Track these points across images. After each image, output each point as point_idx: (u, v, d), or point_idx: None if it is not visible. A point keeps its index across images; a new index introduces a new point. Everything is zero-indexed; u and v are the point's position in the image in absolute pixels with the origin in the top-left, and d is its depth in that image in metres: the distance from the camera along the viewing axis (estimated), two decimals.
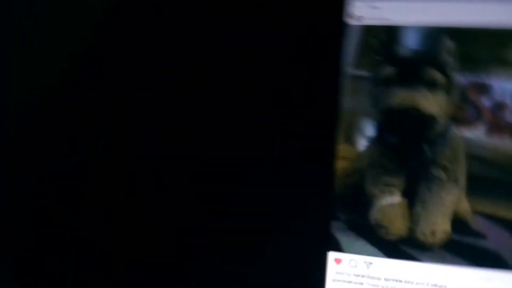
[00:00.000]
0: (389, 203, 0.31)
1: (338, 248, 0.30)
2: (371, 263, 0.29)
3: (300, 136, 0.36)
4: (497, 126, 0.32)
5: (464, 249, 0.29)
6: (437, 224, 0.30)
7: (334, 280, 0.29)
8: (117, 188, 0.36)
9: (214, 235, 0.34)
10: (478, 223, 0.29)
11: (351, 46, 0.37)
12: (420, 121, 0.32)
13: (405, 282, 0.29)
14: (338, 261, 0.30)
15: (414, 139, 0.32)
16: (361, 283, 0.29)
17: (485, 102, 0.33)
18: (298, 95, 0.38)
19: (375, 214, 0.31)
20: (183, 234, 0.34)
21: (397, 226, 0.30)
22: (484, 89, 0.33)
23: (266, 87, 0.39)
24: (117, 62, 0.39)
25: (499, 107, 0.33)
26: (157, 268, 0.34)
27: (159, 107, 0.37)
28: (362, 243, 0.30)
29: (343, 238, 0.30)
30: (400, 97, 0.33)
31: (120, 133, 0.37)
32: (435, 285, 0.28)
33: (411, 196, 0.31)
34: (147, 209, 0.35)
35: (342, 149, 0.34)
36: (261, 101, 0.38)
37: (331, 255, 0.30)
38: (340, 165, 0.33)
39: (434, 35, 0.36)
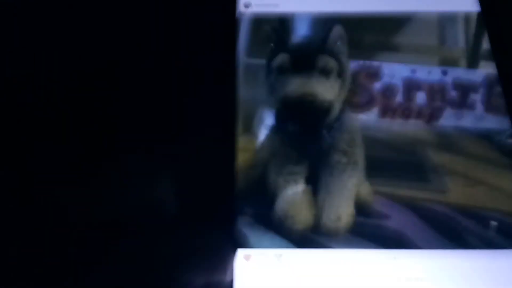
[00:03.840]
0: (293, 192, 0.30)
1: (247, 244, 0.28)
2: (281, 255, 0.27)
3: (198, 129, 0.33)
4: (389, 108, 0.32)
5: (369, 231, 0.28)
6: (341, 208, 0.29)
7: (244, 277, 0.27)
8: None
9: (119, 233, 0.30)
10: (380, 204, 0.29)
11: (243, 35, 0.35)
12: (317, 107, 0.32)
13: (315, 270, 0.27)
14: (247, 257, 0.27)
15: (312, 126, 0.32)
16: (273, 277, 0.27)
17: (376, 85, 0.33)
18: (195, 86, 0.35)
19: (281, 205, 0.29)
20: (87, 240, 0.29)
21: (303, 214, 0.29)
22: (374, 73, 0.34)
23: (160, 78, 0.35)
24: None
25: (389, 90, 0.33)
26: None
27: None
28: (270, 236, 0.28)
29: (250, 233, 0.28)
30: (296, 84, 0.32)
31: None
32: (344, 270, 0.27)
33: (315, 182, 0.30)
34: None
35: (242, 140, 0.32)
36: (156, 95, 0.35)
37: (240, 252, 0.27)
38: (242, 157, 0.31)
39: (325, 22, 0.36)
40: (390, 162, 0.31)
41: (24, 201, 0.31)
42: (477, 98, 0.33)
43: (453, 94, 0.33)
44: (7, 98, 0.35)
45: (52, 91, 0.35)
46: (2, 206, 0.31)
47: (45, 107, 0.34)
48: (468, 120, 0.32)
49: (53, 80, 0.35)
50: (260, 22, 0.35)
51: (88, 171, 0.32)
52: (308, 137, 0.32)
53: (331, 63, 0.33)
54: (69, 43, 0.37)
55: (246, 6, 0.36)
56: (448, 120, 0.32)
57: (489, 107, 0.32)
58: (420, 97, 0.33)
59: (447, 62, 0.34)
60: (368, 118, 0.32)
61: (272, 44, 0.34)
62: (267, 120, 0.32)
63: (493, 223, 0.29)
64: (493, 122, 0.32)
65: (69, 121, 0.34)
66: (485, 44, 0.35)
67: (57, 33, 0.37)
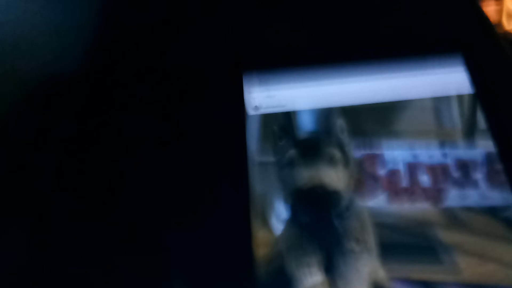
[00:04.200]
0: (311, 284, 0.31)
1: None
2: None
3: (217, 228, 0.35)
4: (395, 193, 0.34)
5: None
6: None
7: None
8: None
9: None
10: None
11: (254, 134, 0.39)
12: (326, 197, 0.34)
13: None
14: None
15: (324, 216, 0.34)
16: None
17: (381, 171, 0.35)
18: (210, 188, 0.38)
19: None
20: None
21: None
22: (378, 159, 0.36)
23: (174, 176, 0.38)
24: None
25: (394, 175, 0.35)
26: None
27: None
28: None
29: None
30: (305, 176, 0.34)
31: None
32: None
33: (331, 272, 0.32)
34: None
35: (260, 235, 0.34)
36: (171, 192, 0.38)
37: None
38: (261, 251, 0.33)
39: (327, 116, 0.39)
40: (402, 246, 0.32)
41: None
42: (479, 176, 0.35)
43: (455, 174, 0.35)
44: None
45: None
46: None
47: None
48: (473, 199, 0.34)
49: None
50: (267, 121, 0.39)
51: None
52: (320, 227, 0.34)
53: (337, 154, 0.36)
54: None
55: (255, 109, 0.40)
56: (453, 200, 0.34)
57: (492, 184, 0.34)
58: (424, 180, 0.35)
59: (446, 142, 0.37)
60: (376, 204, 0.34)
61: (280, 142, 0.37)
62: (281, 214, 0.35)
63: None
64: (497, 199, 0.33)
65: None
66: (481, 122, 0.37)
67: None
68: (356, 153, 0.36)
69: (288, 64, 0.42)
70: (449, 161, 0.35)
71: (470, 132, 0.37)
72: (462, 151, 0.36)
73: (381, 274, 0.31)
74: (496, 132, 0.36)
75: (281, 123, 0.38)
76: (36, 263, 0.34)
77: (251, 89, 0.41)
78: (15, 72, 0.43)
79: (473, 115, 0.37)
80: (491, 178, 0.34)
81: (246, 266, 0.33)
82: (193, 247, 0.35)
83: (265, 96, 0.40)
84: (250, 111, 0.40)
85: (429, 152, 0.36)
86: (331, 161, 0.35)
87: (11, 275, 0.34)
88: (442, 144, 0.37)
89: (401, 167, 0.36)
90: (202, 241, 0.35)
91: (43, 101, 0.43)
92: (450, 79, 0.39)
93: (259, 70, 0.42)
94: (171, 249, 0.35)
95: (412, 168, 0.35)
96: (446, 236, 0.32)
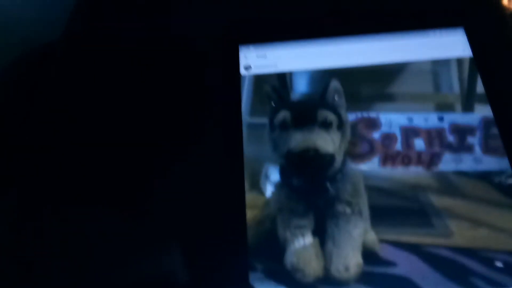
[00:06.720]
0: (301, 245, 0.31)
1: None
2: None
3: (208, 188, 0.35)
4: (389, 157, 0.35)
5: (378, 279, 0.30)
6: (349, 259, 0.31)
7: None
8: None
9: None
10: (386, 252, 0.31)
11: (245, 95, 0.38)
12: (319, 160, 0.34)
13: None
14: None
15: (316, 179, 0.34)
16: None
17: (375, 135, 0.35)
18: (204, 148, 0.38)
19: (290, 258, 0.31)
20: None
21: (313, 267, 0.31)
22: (373, 123, 0.36)
23: (164, 143, 0.38)
24: None
25: (388, 138, 0.35)
26: None
27: None
28: None
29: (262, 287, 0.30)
30: (298, 139, 0.34)
31: None
32: None
33: (321, 234, 0.32)
34: None
35: (249, 197, 0.34)
36: (162, 159, 0.38)
37: None
38: (250, 213, 0.33)
39: (321, 78, 0.38)
40: (394, 209, 0.33)
41: None
42: (474, 141, 0.35)
43: (450, 138, 0.35)
44: None
45: None
46: None
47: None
48: (467, 163, 0.34)
49: None
50: (259, 82, 0.39)
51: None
52: (312, 190, 0.34)
53: (331, 116, 0.35)
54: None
55: (246, 68, 0.39)
56: (447, 164, 0.34)
57: (486, 149, 0.34)
58: (419, 144, 0.35)
59: (442, 108, 0.37)
60: (370, 167, 0.35)
61: (273, 103, 0.37)
62: (272, 176, 0.35)
63: (498, 263, 0.30)
64: (491, 164, 0.34)
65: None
66: (479, 87, 0.37)
67: None
68: (351, 116, 0.36)
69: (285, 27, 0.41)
70: (445, 125, 0.36)
71: (467, 97, 0.37)
72: (458, 116, 0.36)
73: (372, 236, 0.32)
74: (493, 96, 0.36)
75: (274, 83, 0.38)
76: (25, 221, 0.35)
77: (242, 48, 0.40)
78: None
79: (471, 79, 0.37)
80: (486, 143, 0.35)
81: (237, 227, 0.33)
82: (185, 209, 0.35)
83: (256, 55, 0.40)
84: (242, 70, 0.39)
85: (424, 116, 0.36)
86: (324, 124, 0.35)
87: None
88: (439, 108, 0.37)
89: (395, 131, 0.36)
90: (195, 203, 0.35)
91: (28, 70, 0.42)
92: (449, 42, 0.39)
93: (253, 33, 0.41)
94: (164, 212, 0.35)
95: (407, 131, 0.36)
96: (438, 200, 0.33)
